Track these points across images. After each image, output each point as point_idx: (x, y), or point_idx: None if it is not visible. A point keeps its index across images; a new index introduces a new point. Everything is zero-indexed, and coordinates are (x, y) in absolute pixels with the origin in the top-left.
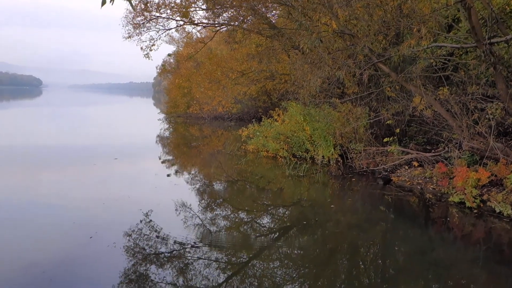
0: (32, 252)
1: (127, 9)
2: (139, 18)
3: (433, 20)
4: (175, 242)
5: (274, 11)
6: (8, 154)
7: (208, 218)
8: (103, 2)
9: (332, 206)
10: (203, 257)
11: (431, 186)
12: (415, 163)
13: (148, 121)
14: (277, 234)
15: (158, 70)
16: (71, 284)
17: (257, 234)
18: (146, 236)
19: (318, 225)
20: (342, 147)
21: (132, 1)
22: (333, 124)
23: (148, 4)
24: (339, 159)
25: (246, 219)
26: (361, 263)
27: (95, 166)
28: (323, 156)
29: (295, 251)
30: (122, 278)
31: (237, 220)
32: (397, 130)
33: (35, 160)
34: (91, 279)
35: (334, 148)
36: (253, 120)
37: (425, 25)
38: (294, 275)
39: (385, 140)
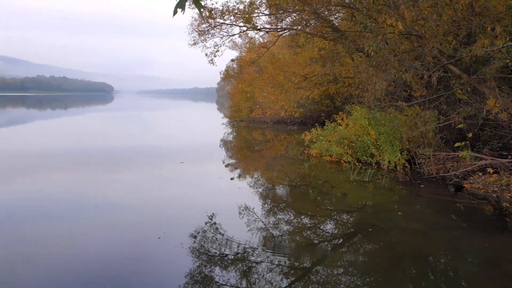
0: (105, 250)
1: (193, 17)
2: (204, 25)
3: (508, 18)
4: (238, 245)
5: (337, 14)
6: (83, 156)
7: (271, 222)
8: (175, 12)
9: (399, 212)
10: (266, 261)
11: (508, 195)
12: (490, 170)
13: (212, 125)
14: (341, 240)
15: (221, 76)
16: (141, 283)
17: (320, 240)
18: (211, 238)
19: (384, 231)
20: (409, 152)
21: (199, 9)
22: (399, 128)
23: (213, 12)
24: (406, 164)
25: (309, 224)
26: (430, 273)
27: (162, 169)
28: (389, 161)
29: (360, 258)
30: (188, 279)
31: (300, 224)
32: (470, 135)
33: (107, 161)
34: (160, 278)
35: (401, 153)
36: (316, 124)
37: (500, 23)
38: (359, 283)
39: (456, 145)
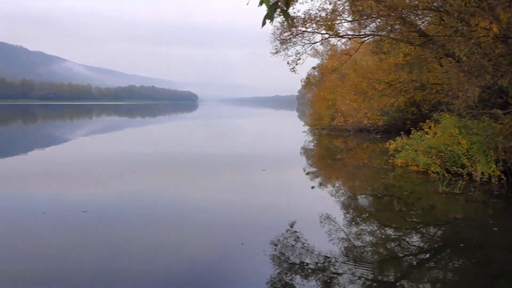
0: (190, 255)
1: (275, 26)
2: (286, 34)
3: None
4: (319, 254)
5: (424, 18)
6: (168, 161)
7: (353, 232)
8: (264, 23)
9: (494, 228)
10: (348, 273)
11: None
12: None
13: (293, 133)
14: (428, 254)
15: (302, 83)
16: (225, 286)
17: (406, 253)
18: (291, 246)
19: (478, 248)
20: (506, 163)
21: (280, 18)
22: (494, 137)
23: (295, 20)
24: (502, 176)
25: (393, 236)
26: None
27: (244, 176)
28: (482, 173)
29: (449, 275)
30: (269, 286)
31: (383, 236)
32: None
33: (191, 167)
34: (242, 284)
35: (496, 164)
36: (401, 132)
37: None
38: None
39: None
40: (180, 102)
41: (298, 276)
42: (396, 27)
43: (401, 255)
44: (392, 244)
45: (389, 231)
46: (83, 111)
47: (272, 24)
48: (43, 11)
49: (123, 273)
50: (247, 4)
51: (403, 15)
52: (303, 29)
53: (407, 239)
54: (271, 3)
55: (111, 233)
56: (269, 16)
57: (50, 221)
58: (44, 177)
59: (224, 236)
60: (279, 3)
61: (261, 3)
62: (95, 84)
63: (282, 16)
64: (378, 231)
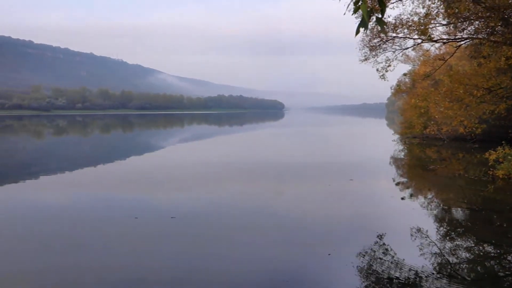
0: (277, 263)
1: (364, 33)
2: (375, 40)
3: None
4: (410, 269)
5: None
6: (256, 169)
7: (447, 247)
8: (357, 31)
9: None
10: None
11: None
12: None
13: (382, 142)
14: None
15: (392, 91)
16: None
17: (507, 273)
18: (380, 259)
19: None
20: None
21: (369, 24)
22: None
23: (385, 26)
24: None
25: (493, 254)
26: None
27: (330, 186)
28: None
29: None
30: None
31: (481, 253)
32: None
33: (278, 175)
34: None
35: None
36: (503, 142)
37: None
38: None
39: None
40: (267, 110)
41: None
42: (498, 29)
43: (501, 274)
44: (492, 262)
45: (488, 248)
46: (176, 120)
47: (365, 32)
48: (139, 26)
49: (215, 275)
50: (344, 14)
51: (505, 16)
52: (394, 34)
53: (509, 257)
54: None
55: (198, 239)
56: (364, 24)
57: (142, 226)
58: (137, 183)
59: (311, 246)
60: (373, 11)
61: (355, 11)
62: (186, 94)
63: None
64: (475, 248)
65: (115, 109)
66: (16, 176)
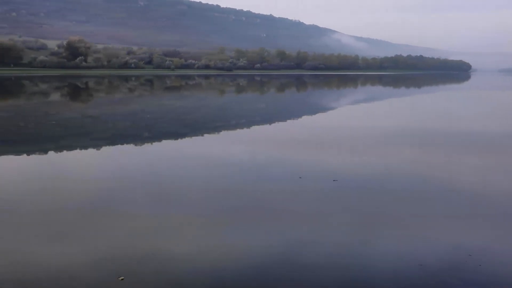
0: (447, 234)
1: None
2: None
3: None
4: None
5: None
6: (428, 136)
7: None
8: None
9: None
10: None
11: None
12: None
13: None
14: None
15: None
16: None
17: None
18: None
19: None
20: None
21: None
22: None
23: None
24: None
25: None
26: None
27: None
28: None
29: None
30: None
31: None
32: None
33: (456, 144)
34: None
35: None
36: None
37: None
38: None
39: None
40: (449, 72)
41: None
42: None
43: None
44: None
45: None
46: (349, 81)
47: None
48: None
49: (371, 244)
50: None
51: None
52: None
53: None
54: None
55: (359, 204)
56: None
57: (305, 186)
58: (304, 142)
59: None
60: None
61: None
62: (362, 54)
63: None
64: None
65: (291, 69)
66: (203, 129)
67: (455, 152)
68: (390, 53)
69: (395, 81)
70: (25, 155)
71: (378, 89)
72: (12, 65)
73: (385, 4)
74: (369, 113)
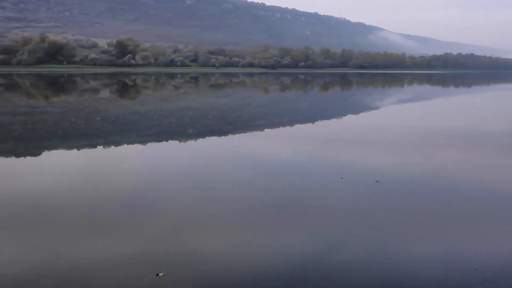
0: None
1: None
2: None
3: None
4: None
5: None
6: (476, 138)
7: None
8: None
9: None
10: None
11: None
12: None
13: None
14: None
15: None
16: None
17: None
18: None
19: None
20: None
21: None
22: None
23: None
24: None
25: None
26: None
27: None
28: None
29: None
30: None
31: None
32: None
33: (501, 145)
34: None
35: None
36: None
37: None
38: None
39: None
40: (502, 71)
41: None
42: None
43: None
44: None
45: None
46: (395, 80)
47: None
48: None
49: (419, 248)
50: None
51: None
52: None
53: None
54: None
55: (402, 206)
56: None
57: (346, 187)
58: (347, 141)
59: None
60: None
61: None
62: (409, 52)
63: None
64: None
65: (335, 67)
66: (246, 127)
67: (505, 155)
68: (439, 51)
69: (444, 80)
70: (75, 149)
71: (426, 88)
72: (65, 62)
73: (435, 0)
74: (415, 112)
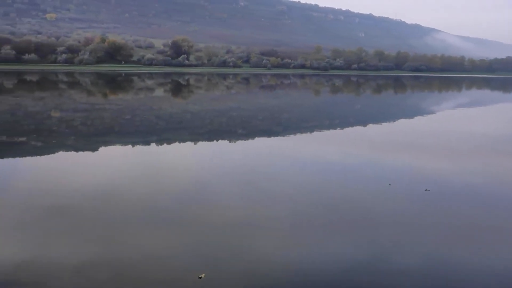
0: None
1: None
2: None
3: None
4: None
5: None
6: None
7: None
8: None
9: None
10: None
11: None
12: None
13: None
14: None
15: None
16: None
17: None
18: None
19: None
20: None
21: None
22: None
23: None
24: None
25: None
26: None
27: None
28: None
29: None
30: None
31: None
32: None
33: None
34: None
35: None
36: None
37: None
38: None
39: None
40: None
41: None
42: None
43: None
44: None
45: None
46: (452, 83)
47: None
48: None
49: (467, 258)
50: None
51: None
52: None
53: None
54: None
55: (451, 216)
56: None
57: (394, 194)
58: (399, 147)
59: None
60: None
61: None
62: (468, 55)
63: None
64: None
65: (389, 70)
66: (295, 129)
67: None
68: (501, 54)
69: (505, 85)
70: (130, 145)
71: (485, 93)
72: (123, 62)
73: (497, 0)
74: (471, 118)
